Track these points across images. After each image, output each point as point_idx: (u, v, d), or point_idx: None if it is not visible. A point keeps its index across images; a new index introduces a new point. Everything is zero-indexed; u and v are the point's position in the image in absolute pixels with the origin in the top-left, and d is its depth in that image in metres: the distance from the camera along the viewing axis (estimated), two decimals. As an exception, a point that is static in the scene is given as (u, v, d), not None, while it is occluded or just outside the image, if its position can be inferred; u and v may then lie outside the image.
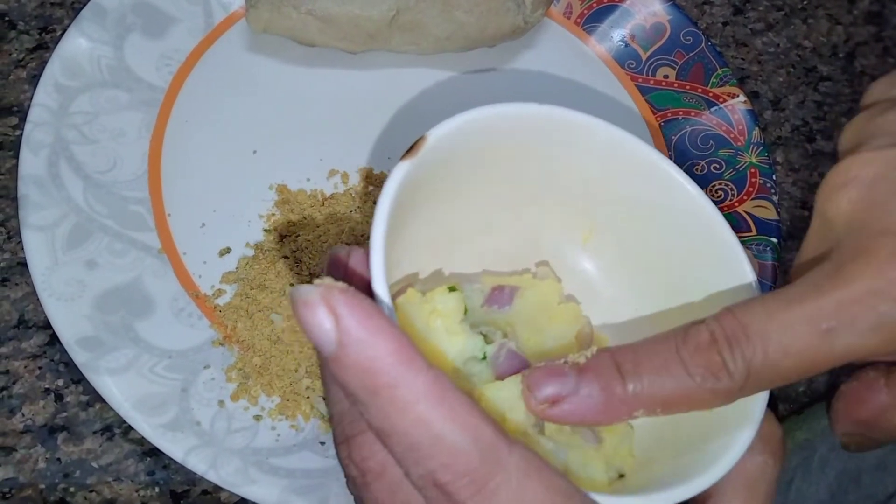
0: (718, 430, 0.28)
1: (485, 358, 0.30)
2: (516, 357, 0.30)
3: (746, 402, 0.28)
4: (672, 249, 0.33)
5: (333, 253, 0.28)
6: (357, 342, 0.23)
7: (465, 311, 0.31)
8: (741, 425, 0.28)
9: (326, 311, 0.23)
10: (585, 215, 0.35)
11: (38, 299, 0.44)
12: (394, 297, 0.30)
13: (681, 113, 0.56)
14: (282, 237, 0.47)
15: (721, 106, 0.55)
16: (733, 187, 0.52)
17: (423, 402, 0.23)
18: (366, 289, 0.26)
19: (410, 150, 0.28)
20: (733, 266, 0.31)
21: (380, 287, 0.26)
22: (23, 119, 0.49)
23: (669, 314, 0.33)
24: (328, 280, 0.23)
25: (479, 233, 0.34)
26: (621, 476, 0.30)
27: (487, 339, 0.30)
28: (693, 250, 0.33)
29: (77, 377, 0.44)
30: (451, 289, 0.30)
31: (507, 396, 0.28)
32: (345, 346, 0.23)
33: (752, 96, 0.59)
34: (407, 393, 0.23)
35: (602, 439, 0.30)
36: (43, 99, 0.48)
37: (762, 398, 0.29)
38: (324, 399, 0.43)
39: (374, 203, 0.48)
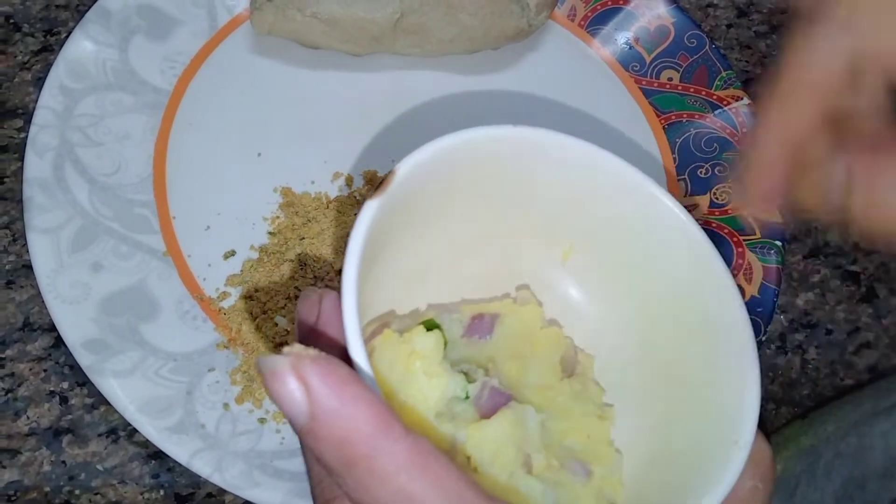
0: (708, 457, 0.28)
1: (467, 397, 0.29)
2: (500, 394, 0.29)
3: (735, 425, 0.28)
4: (654, 266, 0.33)
5: (305, 297, 0.27)
6: (330, 412, 0.22)
7: (445, 345, 0.30)
8: (731, 450, 0.28)
9: (297, 382, 0.21)
10: (564, 234, 0.34)
11: (43, 302, 0.44)
12: (369, 338, 0.29)
13: (685, 116, 0.56)
14: (286, 240, 0.47)
15: (725, 109, 0.55)
16: (737, 190, 0.52)
17: (404, 471, 0.22)
18: (340, 334, 0.25)
19: (379, 186, 0.27)
20: (717, 281, 0.31)
21: (353, 336, 0.25)
22: (28, 121, 0.49)
23: (655, 331, 0.33)
24: (298, 347, 0.22)
25: (456, 260, 0.33)
26: None
27: (469, 378, 0.30)
28: (675, 265, 0.32)
29: (82, 380, 0.44)
30: (429, 327, 0.30)
31: (493, 437, 0.28)
32: (317, 418, 0.22)
33: (756, 99, 0.59)
34: (386, 463, 0.22)
35: (591, 472, 0.30)
36: (48, 101, 0.48)
37: (752, 421, 0.28)
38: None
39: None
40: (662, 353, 0.33)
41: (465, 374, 0.30)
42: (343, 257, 0.26)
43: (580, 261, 0.35)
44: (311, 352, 0.22)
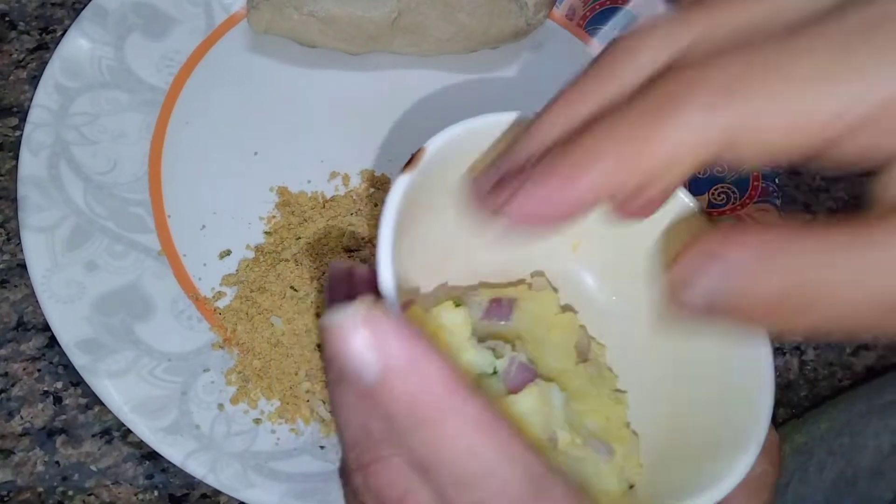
0: (725, 443, 0.28)
1: (495, 373, 0.29)
2: (527, 369, 0.29)
3: (752, 415, 0.28)
4: (661, 253, 0.33)
5: (335, 269, 0.27)
6: (404, 370, 0.21)
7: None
8: (747, 440, 0.28)
9: (368, 337, 0.21)
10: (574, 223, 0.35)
11: (37, 301, 0.43)
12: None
13: (683, 116, 0.55)
14: (282, 240, 0.47)
15: (724, 109, 0.55)
16: (735, 191, 0.52)
17: (473, 432, 0.22)
18: None
19: (410, 161, 0.27)
20: None
21: (392, 307, 0.25)
22: (23, 120, 0.49)
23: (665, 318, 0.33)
24: (368, 299, 0.22)
25: (474, 244, 0.34)
26: (631, 487, 0.30)
27: (496, 354, 0.30)
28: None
29: (76, 380, 0.43)
30: (456, 304, 0.30)
31: (523, 411, 0.28)
32: (389, 375, 0.21)
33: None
34: (456, 423, 0.22)
35: (613, 451, 0.30)
36: (43, 100, 0.48)
37: (767, 411, 0.28)
38: (323, 403, 0.43)
39: (376, 205, 0.49)
40: (672, 343, 0.33)
41: (492, 350, 0.30)
42: (376, 230, 0.26)
43: (588, 249, 0.35)
44: (382, 305, 0.22)
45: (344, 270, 0.26)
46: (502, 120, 0.30)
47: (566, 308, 0.35)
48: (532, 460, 0.22)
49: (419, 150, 0.27)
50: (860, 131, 0.20)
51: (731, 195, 0.52)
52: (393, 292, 0.25)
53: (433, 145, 0.28)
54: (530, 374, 0.29)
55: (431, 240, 0.32)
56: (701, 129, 0.21)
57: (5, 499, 0.41)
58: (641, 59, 0.23)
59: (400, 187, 0.27)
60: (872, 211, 0.21)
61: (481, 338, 0.31)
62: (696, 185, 0.53)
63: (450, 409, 0.22)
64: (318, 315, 0.44)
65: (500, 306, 0.33)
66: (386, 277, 0.25)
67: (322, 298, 0.45)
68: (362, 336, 0.21)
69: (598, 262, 0.35)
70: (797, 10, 0.21)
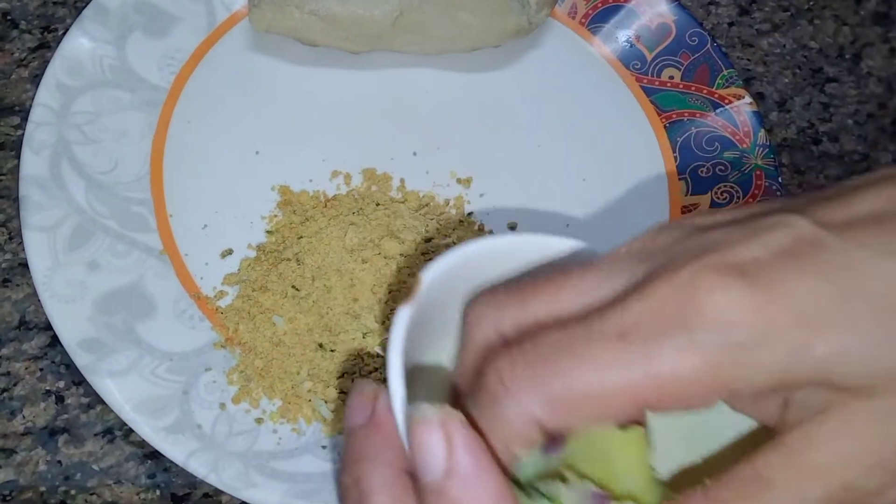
0: None
1: None
2: (600, 497, 0.26)
3: None
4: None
5: (359, 392, 0.26)
6: (467, 476, 0.22)
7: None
8: None
9: (442, 437, 0.22)
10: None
11: (38, 300, 0.43)
12: None
13: (686, 114, 0.55)
14: (284, 239, 0.47)
15: (727, 107, 0.55)
16: (739, 190, 0.52)
17: None
18: (395, 436, 0.25)
19: (407, 294, 0.27)
20: None
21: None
22: (24, 119, 0.49)
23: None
24: (447, 409, 0.23)
25: None
26: None
27: (553, 500, 0.26)
28: None
29: (78, 379, 0.43)
30: None
31: None
32: (453, 478, 0.22)
33: (758, 97, 0.58)
34: None
35: None
36: (45, 99, 0.48)
37: None
38: (325, 402, 0.43)
39: (378, 205, 0.48)
40: None
41: (548, 497, 0.27)
42: (385, 365, 0.26)
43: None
44: (459, 414, 0.23)
45: (367, 396, 0.26)
46: (499, 245, 0.29)
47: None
48: None
49: (416, 281, 0.27)
50: (663, 398, 0.22)
51: (734, 194, 0.52)
52: (405, 431, 0.24)
53: (429, 275, 0.27)
54: (603, 499, 0.26)
55: (443, 365, 0.31)
56: (521, 417, 0.23)
57: (7, 498, 0.41)
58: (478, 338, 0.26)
59: (402, 321, 0.26)
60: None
61: (532, 477, 0.27)
62: (698, 184, 0.53)
63: None
64: (321, 345, 0.44)
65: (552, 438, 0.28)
66: (399, 413, 0.25)
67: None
68: (438, 434, 0.23)
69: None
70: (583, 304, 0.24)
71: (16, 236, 0.46)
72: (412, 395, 0.25)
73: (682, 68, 0.56)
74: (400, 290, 0.45)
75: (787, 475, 0.22)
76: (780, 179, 0.53)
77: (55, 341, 0.44)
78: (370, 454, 0.25)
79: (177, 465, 0.41)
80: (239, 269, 0.46)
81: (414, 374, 0.28)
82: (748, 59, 0.60)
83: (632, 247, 0.26)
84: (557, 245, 0.30)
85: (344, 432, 0.26)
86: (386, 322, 0.44)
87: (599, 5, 0.58)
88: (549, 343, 0.23)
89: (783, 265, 0.22)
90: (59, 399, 0.43)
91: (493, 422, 0.24)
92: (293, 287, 0.45)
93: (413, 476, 0.24)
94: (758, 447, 0.23)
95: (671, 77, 0.56)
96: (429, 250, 0.47)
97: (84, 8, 0.51)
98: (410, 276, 0.45)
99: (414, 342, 0.27)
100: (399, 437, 0.24)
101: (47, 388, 0.43)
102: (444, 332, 0.31)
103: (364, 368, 0.44)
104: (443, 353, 0.31)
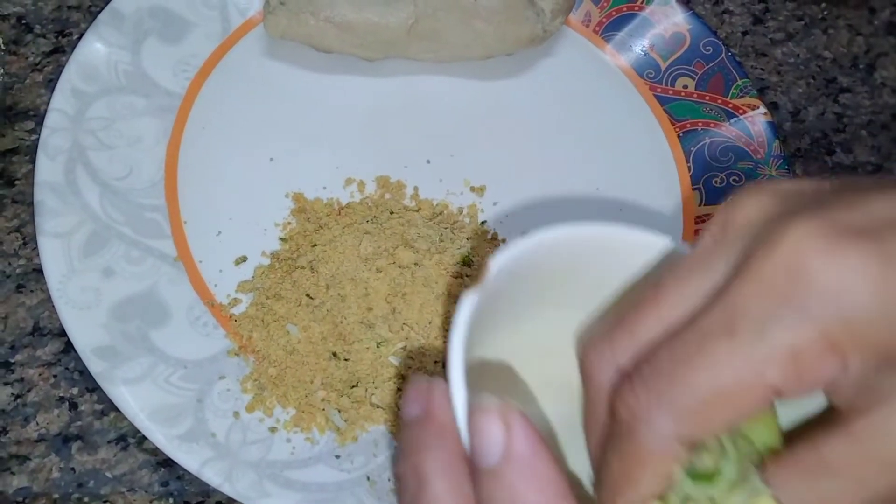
0: None
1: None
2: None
3: None
4: None
5: (414, 385, 0.26)
6: (523, 461, 0.23)
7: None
8: None
9: (501, 424, 0.23)
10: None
11: (52, 306, 0.43)
12: None
13: (700, 124, 0.55)
14: (297, 246, 0.47)
15: (741, 117, 0.55)
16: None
17: None
18: (452, 426, 0.25)
19: (475, 279, 0.27)
20: None
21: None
22: (39, 123, 0.49)
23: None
24: (507, 400, 0.23)
25: (543, 358, 0.32)
26: None
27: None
28: None
29: (91, 386, 0.43)
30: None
31: None
32: (510, 461, 0.23)
33: (772, 107, 0.58)
34: None
35: None
36: (60, 104, 0.48)
37: None
38: (339, 411, 0.43)
39: (392, 213, 0.48)
40: None
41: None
42: (446, 351, 0.26)
43: None
44: (517, 407, 0.24)
45: (422, 389, 0.26)
46: (570, 234, 0.29)
47: None
48: None
49: (483, 268, 0.27)
50: (793, 375, 0.22)
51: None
52: (464, 417, 0.25)
53: (497, 262, 0.27)
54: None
55: (501, 356, 0.31)
56: (659, 439, 0.23)
57: (21, 505, 0.41)
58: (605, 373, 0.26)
59: (467, 307, 0.26)
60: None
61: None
62: (712, 194, 0.53)
63: None
64: (335, 354, 0.44)
65: None
66: (459, 400, 0.25)
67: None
68: (497, 420, 0.23)
69: None
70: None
71: (30, 241, 0.46)
72: (471, 384, 0.25)
73: (697, 77, 0.56)
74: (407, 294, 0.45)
75: (852, 463, 0.22)
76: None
77: (69, 347, 0.44)
78: (427, 443, 0.25)
79: (190, 473, 0.41)
80: (253, 277, 0.46)
81: (473, 365, 0.28)
82: (762, 69, 0.60)
83: (714, 232, 0.25)
84: (630, 236, 0.30)
85: (401, 425, 0.26)
86: (400, 332, 0.44)
87: (614, 14, 0.58)
88: (665, 359, 0.23)
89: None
90: (73, 406, 0.43)
91: (636, 454, 0.24)
92: (307, 295, 0.45)
93: (470, 463, 0.24)
94: (824, 429, 0.23)
95: (685, 86, 0.56)
96: (463, 273, 0.46)
97: (99, 13, 0.51)
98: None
99: (476, 329, 0.27)
100: (456, 427, 0.25)
101: (61, 394, 0.43)
102: (509, 322, 0.30)
103: (378, 378, 0.44)
104: (505, 343, 0.31)
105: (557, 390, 0.32)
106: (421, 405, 0.25)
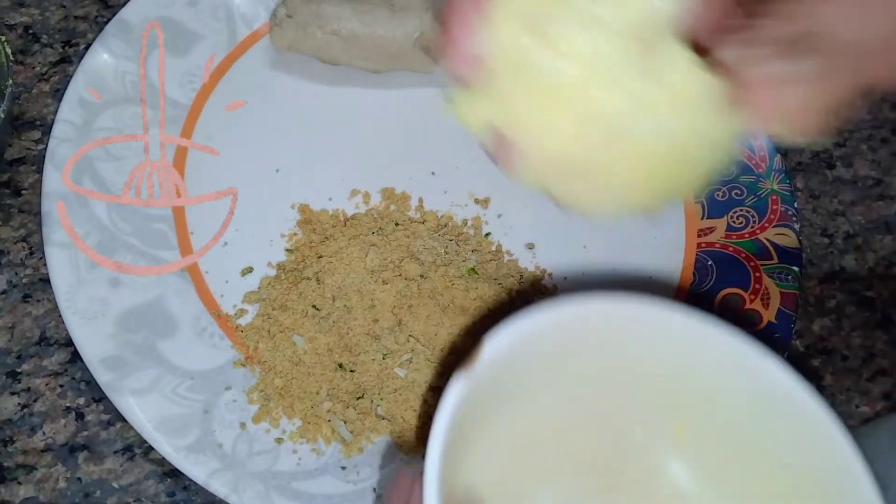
0: None
1: None
2: None
3: None
4: (773, 450, 0.30)
5: (399, 477, 0.26)
6: None
7: None
8: None
9: None
10: (675, 412, 0.32)
11: (59, 316, 0.44)
12: None
13: (702, 137, 0.55)
14: (303, 258, 0.47)
15: (743, 131, 0.55)
16: (755, 214, 0.52)
17: None
18: None
19: (466, 361, 0.25)
20: (846, 470, 0.28)
21: None
22: (45, 133, 0.49)
23: None
24: None
25: (557, 438, 0.31)
26: None
27: None
28: (797, 450, 0.30)
29: (98, 396, 0.43)
30: None
31: None
32: None
33: (773, 121, 0.58)
34: None
35: None
36: (67, 115, 0.48)
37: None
38: (344, 423, 0.43)
39: (397, 224, 0.49)
40: None
41: None
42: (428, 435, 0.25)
43: (694, 441, 0.33)
44: None
45: (406, 481, 0.26)
46: (569, 311, 0.28)
47: None
48: None
49: (476, 347, 0.25)
50: None
51: (750, 218, 0.52)
52: None
53: (492, 343, 0.26)
54: None
55: (510, 438, 0.30)
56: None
57: (27, 515, 0.41)
58: None
59: (454, 393, 0.25)
60: None
61: None
62: (714, 207, 0.53)
63: None
64: (341, 365, 0.44)
65: None
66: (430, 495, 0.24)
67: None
68: None
69: (704, 454, 0.32)
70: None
71: (37, 251, 0.47)
72: (453, 479, 0.24)
73: (699, 91, 0.56)
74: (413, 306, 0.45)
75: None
76: (795, 205, 0.53)
77: (76, 357, 0.44)
78: None
79: (196, 484, 0.41)
80: (259, 288, 0.46)
81: (481, 445, 0.27)
82: (763, 83, 0.61)
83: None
84: (626, 308, 0.29)
85: None
86: (406, 344, 0.45)
87: (617, 27, 0.58)
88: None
89: None
90: (80, 416, 0.43)
91: None
92: (313, 306, 0.45)
93: None
94: None
95: (688, 100, 0.56)
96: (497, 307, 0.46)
97: (106, 23, 0.51)
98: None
99: (468, 415, 0.25)
100: None
101: (67, 404, 0.44)
102: (507, 407, 0.28)
103: (384, 389, 0.44)
104: (503, 428, 0.29)
105: (577, 466, 0.32)
106: (403, 499, 0.25)
